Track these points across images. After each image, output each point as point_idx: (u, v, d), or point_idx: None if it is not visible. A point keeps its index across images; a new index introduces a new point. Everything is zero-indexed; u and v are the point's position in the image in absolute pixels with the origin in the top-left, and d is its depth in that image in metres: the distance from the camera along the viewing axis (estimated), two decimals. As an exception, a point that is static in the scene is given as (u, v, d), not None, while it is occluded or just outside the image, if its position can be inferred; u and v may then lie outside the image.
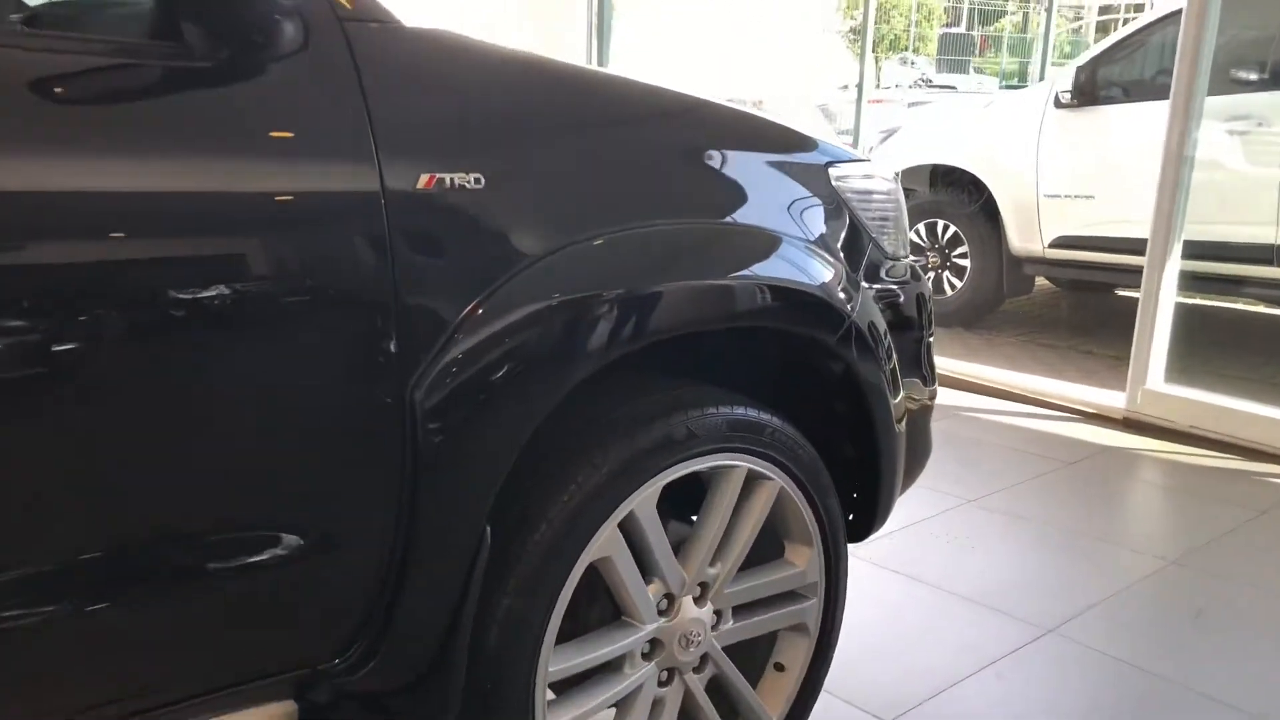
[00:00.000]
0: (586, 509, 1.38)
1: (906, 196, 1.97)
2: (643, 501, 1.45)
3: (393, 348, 1.16)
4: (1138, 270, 4.10)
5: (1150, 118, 4.52)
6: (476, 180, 1.21)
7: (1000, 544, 2.95)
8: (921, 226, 5.81)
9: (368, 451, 1.17)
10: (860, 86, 7.90)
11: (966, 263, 5.73)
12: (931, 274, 5.81)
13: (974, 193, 5.65)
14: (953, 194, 5.74)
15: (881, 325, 1.74)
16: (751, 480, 1.59)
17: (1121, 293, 6.86)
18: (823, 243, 1.64)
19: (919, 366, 1.94)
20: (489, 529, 1.28)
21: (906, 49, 24.44)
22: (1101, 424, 4.16)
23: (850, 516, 1.84)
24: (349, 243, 1.13)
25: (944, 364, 4.91)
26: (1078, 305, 6.57)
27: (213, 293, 1.04)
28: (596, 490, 1.38)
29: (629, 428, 1.43)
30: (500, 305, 1.23)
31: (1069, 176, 5.29)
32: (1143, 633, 2.46)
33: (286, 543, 1.15)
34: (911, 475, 1.96)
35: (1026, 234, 5.46)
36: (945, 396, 4.49)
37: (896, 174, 1.91)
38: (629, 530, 1.45)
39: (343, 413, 1.16)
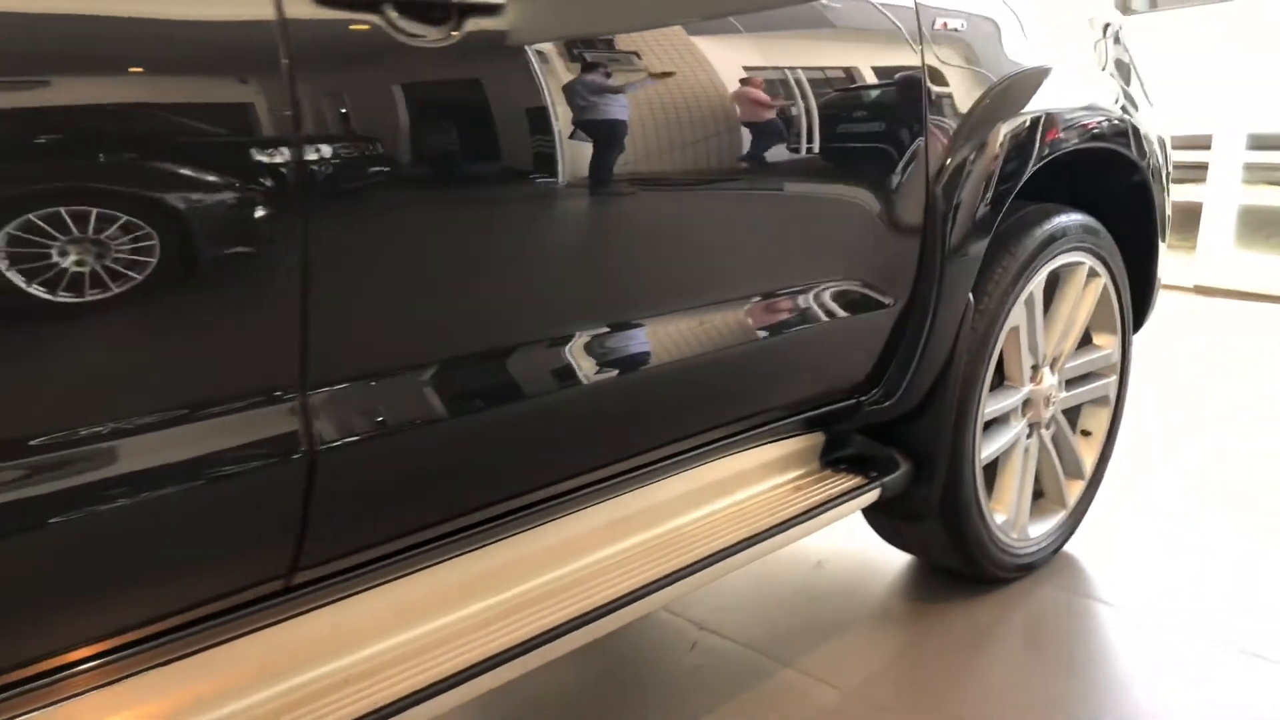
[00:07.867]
0: (1011, 285, 1.81)
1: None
2: (1036, 283, 1.88)
3: (922, 152, 1.57)
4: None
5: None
6: (961, 25, 1.62)
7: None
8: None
9: (911, 232, 1.59)
10: None
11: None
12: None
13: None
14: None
15: (1163, 145, 2.19)
16: (1090, 275, 2.03)
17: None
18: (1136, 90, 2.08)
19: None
20: (972, 296, 1.71)
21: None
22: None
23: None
24: (898, 79, 1.54)
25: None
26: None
27: (828, 125, 1.45)
28: (1016, 272, 1.81)
29: (1030, 228, 1.85)
30: (980, 121, 1.65)
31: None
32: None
33: (867, 300, 1.56)
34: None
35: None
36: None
37: None
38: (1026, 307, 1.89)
39: (893, 204, 1.57)
